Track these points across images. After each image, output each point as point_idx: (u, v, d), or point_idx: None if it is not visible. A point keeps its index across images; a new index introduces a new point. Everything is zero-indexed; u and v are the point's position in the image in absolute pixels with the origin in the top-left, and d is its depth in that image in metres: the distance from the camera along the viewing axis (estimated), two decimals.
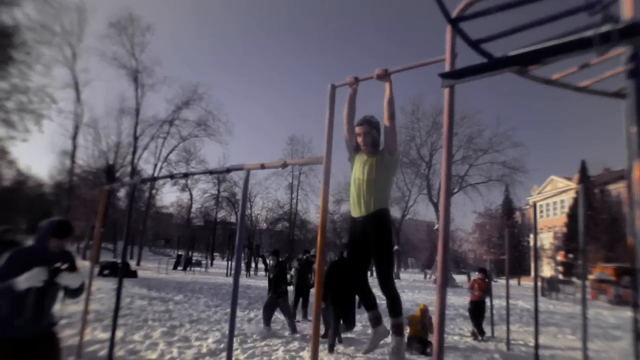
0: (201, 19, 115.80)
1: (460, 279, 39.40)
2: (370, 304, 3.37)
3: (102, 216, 6.16)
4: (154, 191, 40.21)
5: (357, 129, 3.45)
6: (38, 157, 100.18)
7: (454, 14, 2.44)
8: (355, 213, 3.39)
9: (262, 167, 4.01)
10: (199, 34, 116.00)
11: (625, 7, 2.03)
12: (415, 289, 24.89)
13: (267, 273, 7.87)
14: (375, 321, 3.39)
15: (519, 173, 33.99)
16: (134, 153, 33.13)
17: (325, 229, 3.63)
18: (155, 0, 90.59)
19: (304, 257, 11.33)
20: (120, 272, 5.33)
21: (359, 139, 3.44)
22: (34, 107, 21.79)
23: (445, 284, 2.69)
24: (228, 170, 4.38)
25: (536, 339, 6.62)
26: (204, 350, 6.18)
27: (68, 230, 2.74)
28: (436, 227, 35.04)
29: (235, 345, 6.75)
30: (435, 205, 35.14)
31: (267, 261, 9.40)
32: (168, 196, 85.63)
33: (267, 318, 8.04)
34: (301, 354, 6.26)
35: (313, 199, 47.31)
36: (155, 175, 35.24)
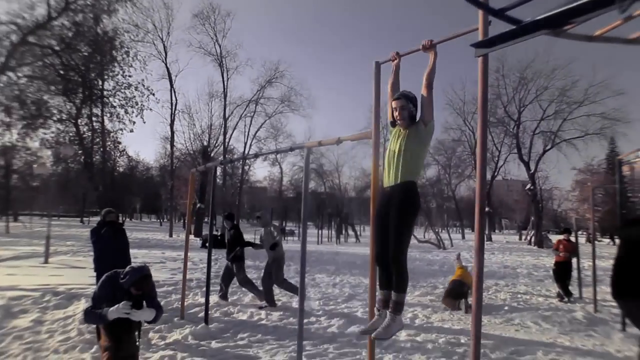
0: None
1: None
2: (400, 285, 3.17)
3: (192, 195, 7.13)
4: (246, 167, 42.58)
5: (394, 103, 3.45)
6: (144, 144, 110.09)
7: None
8: (385, 183, 3.42)
9: (320, 144, 4.50)
10: (277, 15, 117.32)
11: None
12: (507, 251, 24.24)
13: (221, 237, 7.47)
14: (397, 306, 3.16)
15: (621, 124, 30.89)
16: (224, 133, 35.34)
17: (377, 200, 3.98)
18: None
19: None
20: (210, 244, 6.22)
21: (395, 113, 3.43)
22: (136, 100, 24.05)
23: (482, 245, 2.99)
24: (291, 149, 4.93)
25: None
26: (289, 312, 6.94)
27: (145, 286, 3.53)
28: (528, 186, 33.29)
29: (317, 307, 7.47)
30: (527, 164, 33.29)
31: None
32: (261, 171, 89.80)
33: (224, 287, 7.67)
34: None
35: None
36: (246, 152, 37.37)
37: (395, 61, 3.70)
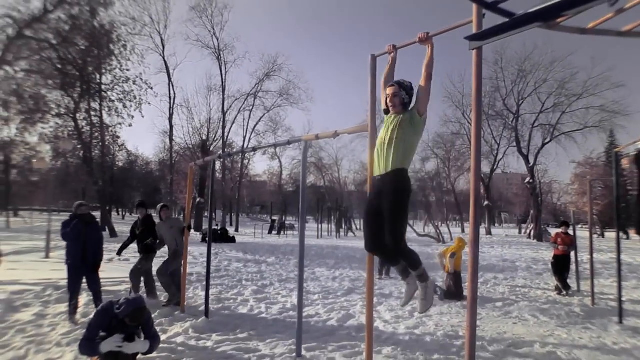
0: None
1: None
2: (413, 264, 3.39)
3: (192, 189, 7.17)
4: (246, 161, 42.58)
5: (388, 90, 3.47)
6: (143, 138, 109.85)
7: None
8: (376, 172, 3.47)
9: (317, 137, 4.52)
10: (275, 8, 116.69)
11: None
12: (506, 245, 24.32)
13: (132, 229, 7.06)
14: (421, 278, 3.45)
15: (620, 117, 30.85)
16: (223, 127, 35.28)
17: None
18: None
19: None
20: (209, 238, 6.26)
21: (388, 100, 3.45)
22: (134, 94, 23.97)
23: (477, 239, 3.03)
24: (289, 142, 4.96)
25: (619, 291, 6.58)
26: (289, 305, 6.99)
27: (139, 318, 3.58)
28: (527, 180, 33.31)
29: (317, 299, 7.53)
30: (526, 158, 33.28)
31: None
32: (260, 165, 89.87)
33: (134, 284, 6.95)
34: (378, 308, 6.83)
35: None
36: (246, 146, 37.34)
37: (392, 54, 3.74)
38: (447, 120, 38.86)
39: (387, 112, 3.57)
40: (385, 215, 3.23)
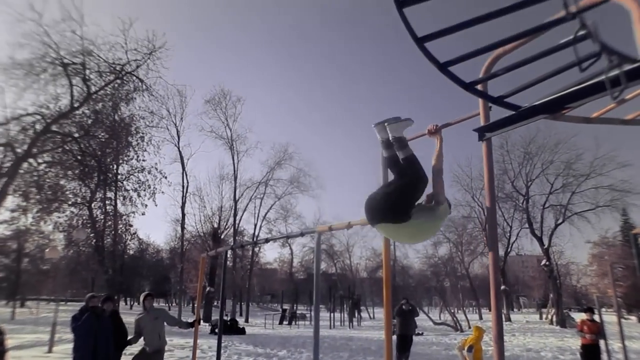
0: (286, 83, 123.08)
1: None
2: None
3: (202, 279, 7.04)
4: (256, 249, 42.33)
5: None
6: (155, 227, 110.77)
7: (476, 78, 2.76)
8: None
9: (330, 229, 4.55)
10: (284, 97, 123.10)
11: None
12: (528, 332, 23.11)
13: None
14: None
15: (631, 195, 30.67)
16: (235, 215, 35.52)
17: (390, 283, 4.00)
18: (242, 72, 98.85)
19: (402, 305, 11.38)
20: (220, 330, 6.05)
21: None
22: (149, 184, 24.61)
23: (502, 334, 2.91)
24: (302, 234, 4.97)
25: None
26: None
27: None
28: (543, 262, 32.46)
29: None
30: (540, 239, 32.72)
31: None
32: (271, 252, 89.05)
33: None
34: None
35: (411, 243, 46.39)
36: (256, 233, 37.36)
37: None
38: (458, 203, 38.90)
39: None
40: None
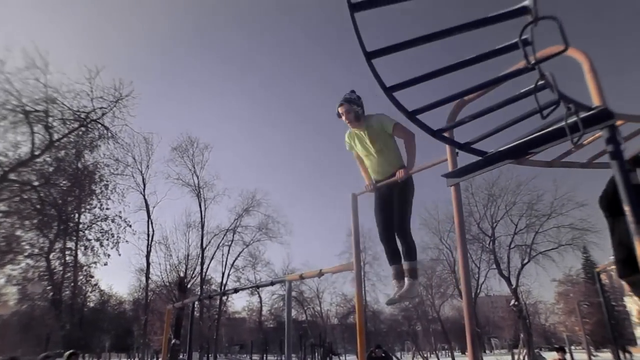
0: (253, 134, 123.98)
1: (552, 356, 35.75)
2: (410, 253, 3.71)
3: (168, 331, 6.72)
4: (224, 298, 41.07)
5: (339, 109, 3.82)
6: (117, 277, 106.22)
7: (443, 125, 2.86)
8: (378, 177, 3.91)
9: (301, 277, 4.49)
10: (254, 146, 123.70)
11: (593, 97, 2.39)
12: None
13: None
14: (412, 273, 3.68)
15: (590, 233, 31.80)
16: (202, 264, 34.66)
17: (363, 330, 3.94)
18: (209, 121, 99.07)
19: (372, 351, 11.21)
20: None
21: (343, 118, 3.81)
22: (112, 233, 23.73)
23: None
24: (272, 283, 4.88)
25: None
26: None
27: None
28: (512, 302, 32.75)
29: None
30: (507, 279, 33.18)
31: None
32: (239, 301, 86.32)
33: None
34: None
35: (382, 288, 45.88)
36: (224, 282, 36.36)
37: (370, 189, 3.97)
38: (426, 246, 39.23)
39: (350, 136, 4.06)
40: (395, 204, 3.77)
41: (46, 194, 19.71)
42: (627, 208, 1.87)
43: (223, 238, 36.80)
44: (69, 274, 24.56)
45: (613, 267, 7.59)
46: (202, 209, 35.47)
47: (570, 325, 37.25)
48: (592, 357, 25.93)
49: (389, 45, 1.90)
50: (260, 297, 49.31)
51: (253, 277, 38.26)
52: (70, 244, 23.87)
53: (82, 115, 19.56)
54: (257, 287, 4.96)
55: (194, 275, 34.35)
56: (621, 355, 34.21)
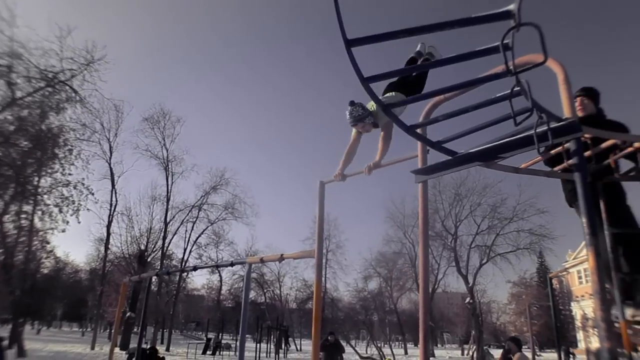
0: (231, 107, 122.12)
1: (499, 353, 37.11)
2: None
3: (123, 304, 6.58)
4: (184, 275, 40.67)
5: (356, 130, 4.00)
6: (76, 245, 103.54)
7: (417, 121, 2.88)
8: None
9: (262, 260, 4.45)
10: (226, 124, 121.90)
11: (565, 108, 2.43)
12: None
13: None
14: None
15: (547, 240, 33.01)
16: (164, 238, 34.07)
17: (319, 317, 3.94)
18: (185, 92, 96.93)
19: (327, 338, 11.33)
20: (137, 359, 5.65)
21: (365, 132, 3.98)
22: (73, 199, 22.97)
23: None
24: (232, 264, 4.82)
25: None
26: None
27: None
28: (467, 300, 33.79)
29: None
30: (465, 278, 34.14)
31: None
32: (199, 278, 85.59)
33: None
34: None
35: (342, 277, 46.47)
36: (185, 258, 35.97)
37: (339, 178, 3.95)
38: (389, 239, 39.84)
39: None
40: None
41: (5, 154, 18.87)
42: (584, 220, 1.91)
43: (188, 214, 36.28)
44: (23, 239, 23.71)
45: (564, 273, 7.89)
46: (169, 182, 34.82)
47: (520, 326, 38.75)
48: (537, 357, 27.07)
49: (369, 35, 1.86)
50: (220, 276, 49.12)
51: (215, 256, 38.02)
52: (27, 208, 22.99)
53: (50, 75, 18.72)
54: (217, 266, 4.88)
55: (155, 249, 33.81)
56: (563, 356, 35.91)
